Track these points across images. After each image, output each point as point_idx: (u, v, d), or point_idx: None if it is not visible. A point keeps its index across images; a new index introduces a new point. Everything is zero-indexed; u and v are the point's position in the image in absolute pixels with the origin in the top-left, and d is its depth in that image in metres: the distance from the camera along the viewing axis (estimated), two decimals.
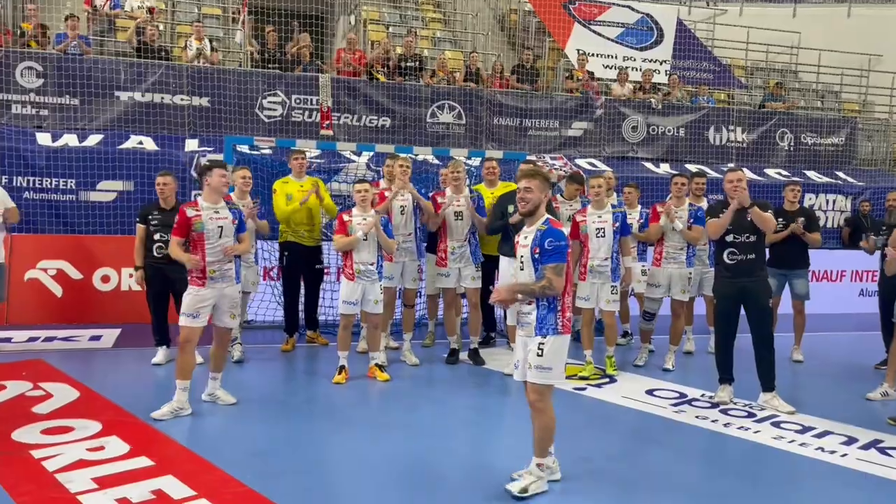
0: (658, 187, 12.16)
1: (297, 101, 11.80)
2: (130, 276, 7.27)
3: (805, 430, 5.78)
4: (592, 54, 14.93)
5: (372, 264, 6.75)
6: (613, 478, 4.73)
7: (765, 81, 17.26)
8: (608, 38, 15.42)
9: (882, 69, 17.66)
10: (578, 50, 14.77)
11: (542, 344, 4.30)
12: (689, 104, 14.25)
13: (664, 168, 13.29)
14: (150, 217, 6.97)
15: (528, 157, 8.49)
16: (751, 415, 6.13)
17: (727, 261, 6.27)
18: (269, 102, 11.69)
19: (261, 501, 4.11)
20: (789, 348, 8.30)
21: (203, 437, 5.23)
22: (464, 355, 7.66)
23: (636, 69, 14.78)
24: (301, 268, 7.85)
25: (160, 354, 7.10)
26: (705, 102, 14.41)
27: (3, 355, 7.20)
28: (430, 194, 7.70)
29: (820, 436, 5.65)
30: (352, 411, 6.02)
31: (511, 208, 7.03)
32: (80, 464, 4.50)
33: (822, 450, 5.35)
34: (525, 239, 4.37)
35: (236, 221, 5.77)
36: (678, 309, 7.65)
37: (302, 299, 8.13)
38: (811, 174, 14.14)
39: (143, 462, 4.56)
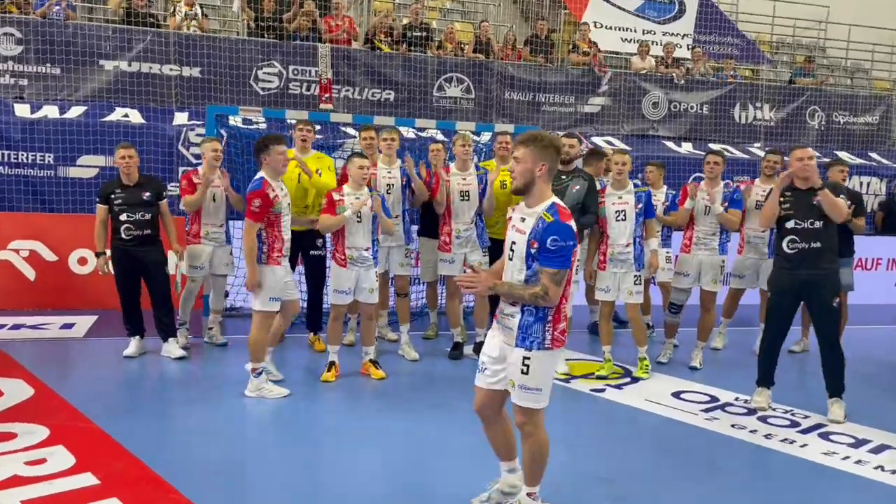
0: (680, 167, 11.37)
1: (295, 72, 11.04)
2: (97, 263, 6.48)
3: (859, 443, 5.04)
4: (610, 27, 14.13)
5: (367, 249, 6.01)
6: None
7: (791, 58, 16.36)
8: (627, 11, 14.59)
9: None
10: (595, 22, 13.96)
11: (527, 359, 3.47)
12: (713, 79, 13.37)
13: (686, 147, 12.47)
14: (112, 196, 6.23)
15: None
16: (794, 423, 5.39)
17: (787, 250, 5.47)
18: (265, 73, 10.94)
19: None
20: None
21: (164, 447, 4.53)
22: (469, 349, 6.95)
23: (657, 43, 13.93)
24: (295, 258, 6.68)
25: (132, 346, 6.41)
26: (732, 77, 13.51)
27: None
28: (434, 170, 6.91)
29: (876, 451, 4.91)
30: (340, 415, 5.32)
31: None
32: (13, 481, 3.83)
33: (883, 469, 4.61)
34: (522, 222, 3.50)
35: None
36: (708, 301, 6.85)
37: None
38: (843, 155, 13.23)
39: (86, 480, 3.88)
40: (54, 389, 5.34)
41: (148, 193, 6.27)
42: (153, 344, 6.54)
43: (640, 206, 6.34)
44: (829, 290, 5.45)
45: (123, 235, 6.19)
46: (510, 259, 3.54)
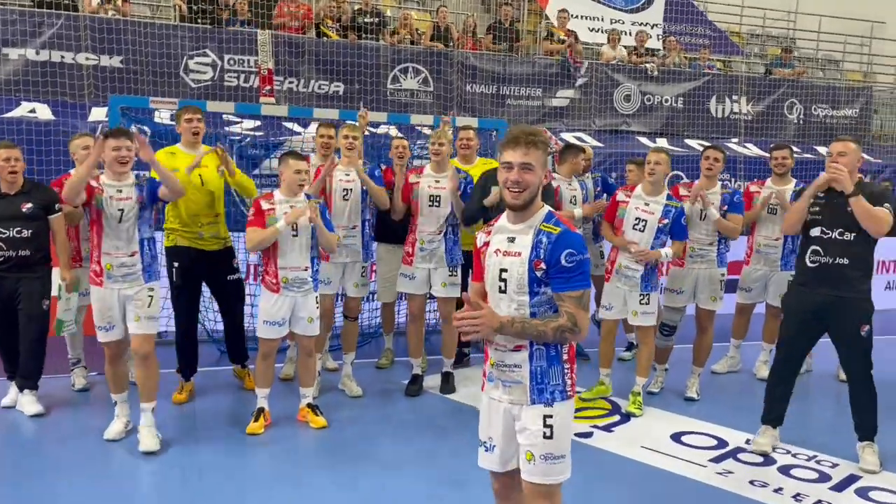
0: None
1: (232, 62, 9.85)
2: None
3: None
4: (576, 16, 13.23)
5: (305, 269, 4.89)
6: None
7: (762, 49, 15.68)
8: None
9: (886, 37, 16.18)
10: (560, 11, 13.05)
11: (550, 418, 2.64)
12: (687, 71, 12.53)
13: (661, 143, 11.59)
14: None
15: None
16: (823, 476, 4.46)
17: (808, 263, 4.52)
18: (197, 64, 9.73)
19: None
20: (834, 362, 6.64)
21: None
22: (432, 381, 5.91)
23: (627, 33, 13.09)
24: (199, 283, 5.50)
25: (13, 393, 5.19)
26: (709, 69, 12.69)
27: None
28: (403, 170, 5.83)
29: None
30: (267, 484, 4.22)
31: (496, 189, 5.26)
32: None
33: None
34: (511, 243, 2.68)
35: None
36: (705, 320, 5.88)
37: (214, 322, 6.22)
38: (823, 150, 12.52)
39: None
40: None
41: (30, 205, 4.97)
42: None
43: (666, 221, 5.33)
44: (856, 315, 4.47)
45: None
46: (501, 291, 2.69)
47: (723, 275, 5.88)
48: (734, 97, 12.57)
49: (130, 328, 4.50)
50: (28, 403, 5.06)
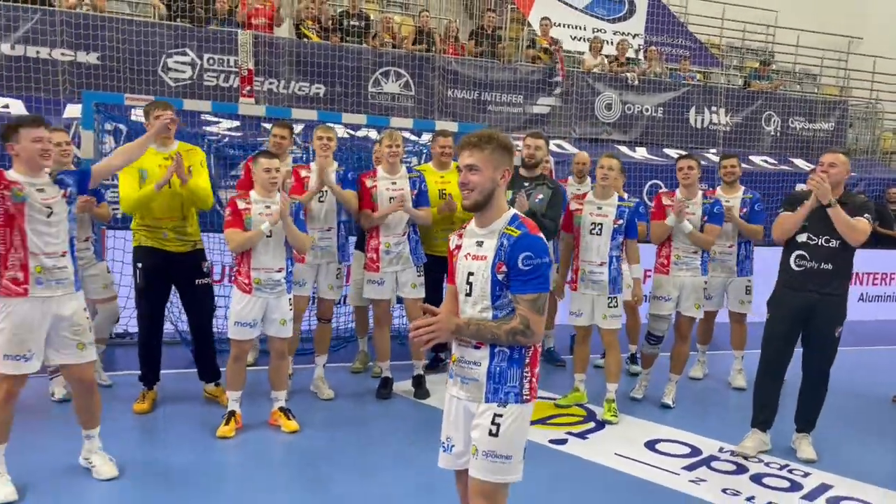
0: (634, 174, 10.50)
1: (211, 61, 9.75)
2: None
3: None
4: (559, 24, 13.30)
5: (279, 271, 4.83)
6: None
7: (741, 62, 15.84)
8: (575, 8, 13.83)
9: (862, 52, 16.42)
10: (543, 19, 13.11)
11: (499, 416, 2.66)
12: (668, 81, 12.62)
13: (641, 152, 11.66)
14: None
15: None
16: (795, 485, 4.46)
17: (794, 267, 4.69)
18: (176, 62, 9.62)
19: None
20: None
21: None
22: (404, 384, 5.87)
23: (609, 42, 13.17)
24: (165, 287, 5.24)
25: None
26: (690, 79, 12.79)
27: None
28: (357, 175, 5.78)
29: None
30: (238, 489, 4.15)
31: (508, 194, 5.27)
32: None
33: None
34: (479, 247, 2.70)
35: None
36: (685, 328, 5.87)
37: (177, 326, 6.10)
38: (799, 162, 12.67)
39: None
40: None
41: None
42: None
43: (620, 221, 5.39)
44: (833, 317, 4.68)
45: None
46: (468, 295, 2.72)
47: (706, 282, 5.91)
48: (713, 108, 12.67)
49: (70, 359, 3.91)
50: None
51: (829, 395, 6.29)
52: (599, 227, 5.42)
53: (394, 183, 5.57)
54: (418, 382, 5.84)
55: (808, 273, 4.63)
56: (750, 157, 12.41)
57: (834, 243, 4.55)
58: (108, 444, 4.20)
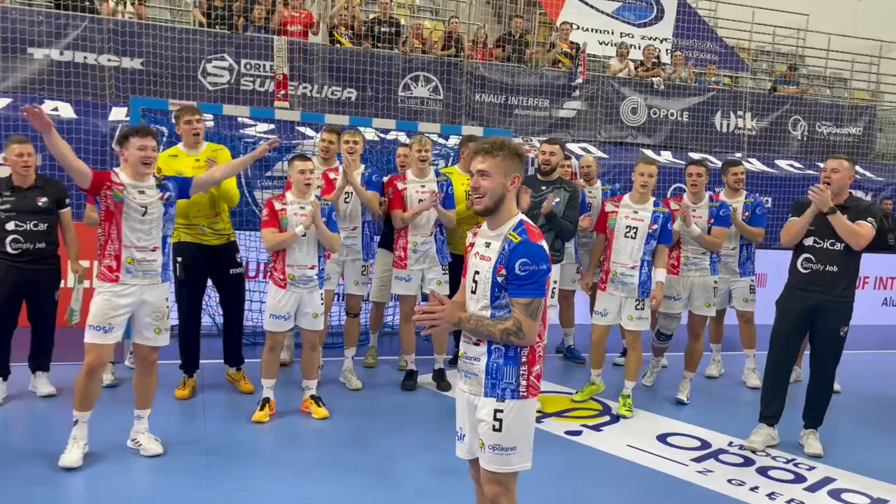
0: (659, 178, 10.64)
1: (248, 66, 10.16)
2: None
3: (875, 503, 4.33)
4: (587, 29, 13.50)
5: (312, 268, 5.17)
6: None
7: (771, 66, 15.87)
8: (604, 13, 13.99)
9: (893, 56, 16.33)
10: (571, 24, 13.32)
11: (500, 412, 2.83)
12: (693, 86, 12.75)
13: (665, 156, 11.82)
14: None
15: (513, 137, 6.93)
16: (799, 478, 4.66)
17: (801, 269, 4.93)
18: (215, 67, 10.04)
19: None
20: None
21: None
22: (426, 378, 6.16)
23: (636, 46, 13.33)
24: (202, 278, 5.62)
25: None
26: (714, 84, 12.91)
27: None
28: (386, 179, 6.10)
29: None
30: (271, 469, 4.48)
31: None
32: None
33: None
34: (487, 248, 2.87)
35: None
36: (698, 326, 6.12)
37: (215, 319, 6.42)
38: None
39: None
40: None
41: (45, 199, 5.18)
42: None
43: (655, 227, 5.57)
44: (839, 317, 4.90)
45: (10, 249, 5.08)
46: (472, 292, 2.92)
47: (716, 282, 6.12)
48: (739, 113, 12.77)
49: (148, 341, 4.40)
50: (42, 385, 5.36)
51: (844, 395, 6.55)
52: (634, 230, 5.58)
53: (423, 186, 5.87)
54: (440, 375, 6.12)
55: (814, 275, 4.85)
56: (776, 162, 12.50)
57: (839, 246, 4.77)
58: (151, 426, 4.56)
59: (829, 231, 4.78)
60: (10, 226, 5.08)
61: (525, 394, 2.85)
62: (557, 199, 5.73)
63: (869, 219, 4.75)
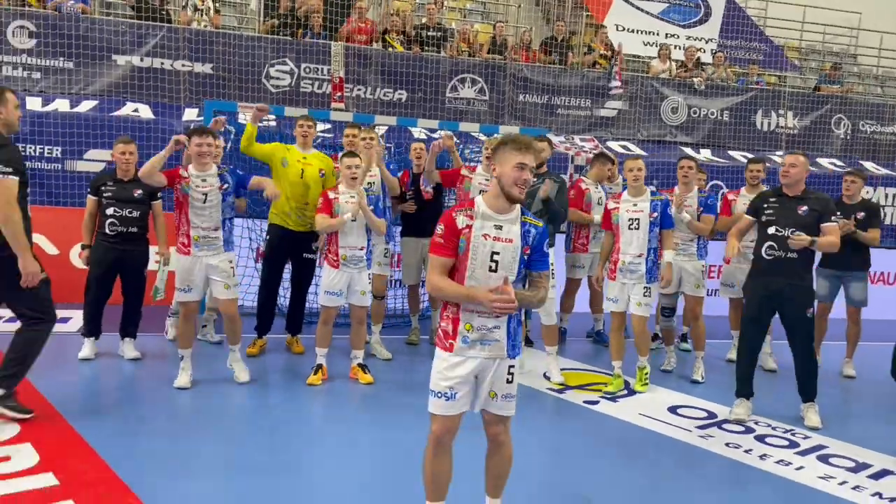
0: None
1: (307, 70, 10.99)
2: (80, 254, 6.32)
3: (859, 467, 4.79)
4: (632, 30, 13.91)
5: (361, 249, 5.91)
6: None
7: (820, 65, 15.95)
8: (650, 14, 14.37)
9: None
10: (617, 25, 13.76)
11: (512, 367, 3.38)
12: (734, 85, 13.06)
13: (705, 154, 12.20)
14: (102, 188, 6.10)
15: (547, 135, 7.51)
16: (793, 444, 5.15)
17: (764, 256, 5.42)
18: (277, 71, 10.90)
19: None
20: (840, 360, 7.28)
21: (131, 449, 4.44)
22: None
23: (679, 47, 13.68)
24: (283, 257, 6.67)
25: (87, 348, 6.17)
26: (754, 83, 13.19)
27: None
28: (451, 167, 6.88)
29: (877, 476, 4.66)
30: (322, 422, 5.20)
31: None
32: None
33: (881, 496, 4.36)
34: (499, 230, 3.26)
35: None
36: (695, 307, 6.67)
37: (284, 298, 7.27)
38: (869, 165, 12.87)
39: (46, 480, 3.80)
40: (35, 385, 5.28)
41: (140, 191, 6.09)
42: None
43: (655, 214, 6.11)
44: (803, 301, 5.41)
45: (108, 230, 6.03)
46: (491, 270, 3.25)
47: (703, 266, 6.73)
48: (780, 112, 13.02)
49: (221, 295, 5.63)
50: (129, 350, 6.25)
51: (858, 381, 6.94)
52: (637, 221, 6.12)
53: (486, 180, 6.54)
54: None
55: (776, 261, 5.33)
56: (817, 160, 12.71)
57: (799, 234, 5.20)
58: (228, 381, 5.37)
59: (791, 220, 5.25)
60: (110, 211, 6.04)
61: (521, 347, 3.50)
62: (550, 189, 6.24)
63: (833, 219, 5.29)
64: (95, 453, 4.21)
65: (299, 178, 6.43)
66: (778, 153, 12.75)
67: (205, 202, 5.46)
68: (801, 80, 15.16)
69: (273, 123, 9.10)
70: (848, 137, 13.44)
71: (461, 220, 3.28)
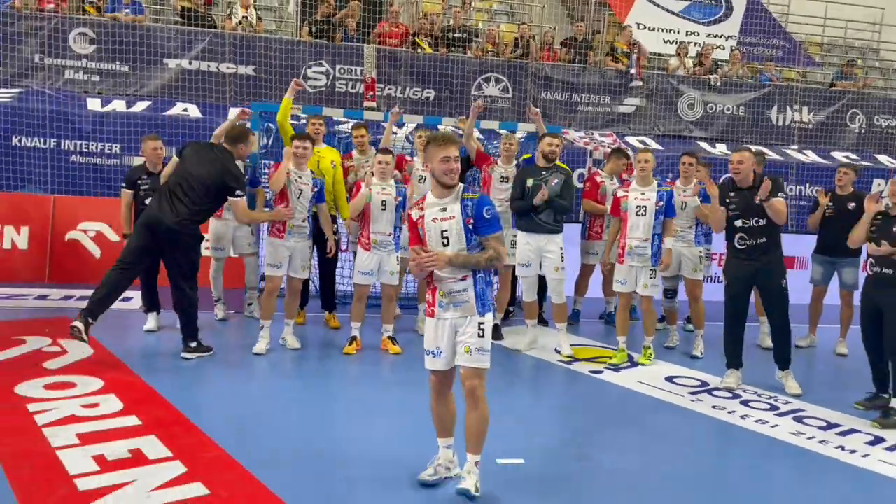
0: (713, 168, 11.59)
1: (342, 71, 11.76)
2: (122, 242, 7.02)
3: (830, 426, 5.41)
4: (653, 28, 14.38)
5: (389, 234, 6.66)
6: (605, 474, 4.50)
7: (842, 60, 16.27)
8: (671, 12, 14.80)
9: None
10: (638, 24, 14.24)
11: (483, 324, 3.91)
12: (749, 81, 13.54)
13: (720, 148, 12.70)
14: (139, 181, 6.91)
15: (563, 132, 8.19)
16: (773, 408, 5.78)
17: (737, 246, 6.07)
18: (314, 72, 11.68)
19: (232, 465, 4.10)
20: (834, 340, 7.82)
21: (197, 399, 5.26)
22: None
23: (698, 44, 14.14)
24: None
25: (151, 321, 7.01)
26: (774, 78, 13.64)
27: (35, 311, 7.46)
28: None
29: (844, 434, 5.28)
30: (356, 382, 5.97)
31: (530, 182, 6.83)
32: (70, 419, 4.58)
33: (843, 448, 4.99)
34: (443, 212, 3.90)
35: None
36: (695, 290, 7.32)
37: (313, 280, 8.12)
38: (883, 158, 13.27)
39: (131, 421, 4.61)
40: (110, 350, 6.14)
41: None
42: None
43: (661, 203, 6.73)
44: (777, 274, 6.02)
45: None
46: (444, 245, 3.89)
47: (701, 251, 7.41)
48: (795, 107, 13.46)
49: (297, 274, 6.63)
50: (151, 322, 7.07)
51: (851, 359, 7.46)
52: (644, 209, 6.75)
53: (505, 170, 7.43)
54: (495, 329, 7.44)
55: (748, 249, 5.96)
56: (832, 154, 13.15)
57: (762, 221, 5.85)
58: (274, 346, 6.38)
59: (752, 210, 5.84)
60: (149, 201, 6.58)
61: (494, 306, 4.12)
62: (556, 181, 6.83)
63: (780, 194, 5.82)
64: (167, 402, 5.02)
65: (316, 168, 7.11)
66: (792, 147, 13.22)
67: (299, 197, 6.48)
68: (822, 74, 15.52)
69: (304, 122, 9.86)
70: (863, 132, 13.81)
71: (415, 214, 4.01)
